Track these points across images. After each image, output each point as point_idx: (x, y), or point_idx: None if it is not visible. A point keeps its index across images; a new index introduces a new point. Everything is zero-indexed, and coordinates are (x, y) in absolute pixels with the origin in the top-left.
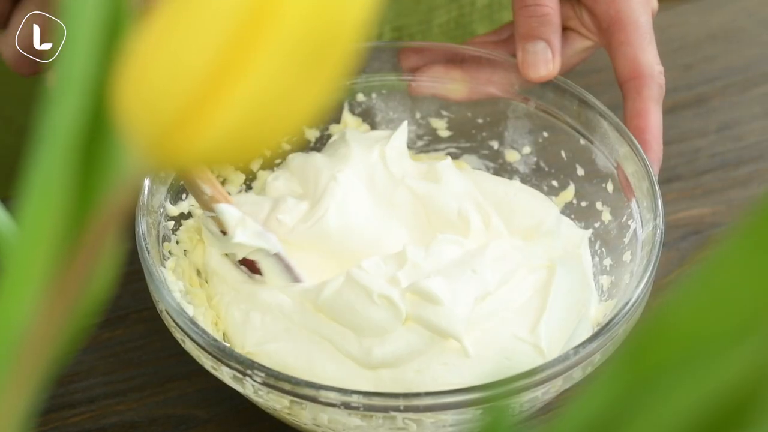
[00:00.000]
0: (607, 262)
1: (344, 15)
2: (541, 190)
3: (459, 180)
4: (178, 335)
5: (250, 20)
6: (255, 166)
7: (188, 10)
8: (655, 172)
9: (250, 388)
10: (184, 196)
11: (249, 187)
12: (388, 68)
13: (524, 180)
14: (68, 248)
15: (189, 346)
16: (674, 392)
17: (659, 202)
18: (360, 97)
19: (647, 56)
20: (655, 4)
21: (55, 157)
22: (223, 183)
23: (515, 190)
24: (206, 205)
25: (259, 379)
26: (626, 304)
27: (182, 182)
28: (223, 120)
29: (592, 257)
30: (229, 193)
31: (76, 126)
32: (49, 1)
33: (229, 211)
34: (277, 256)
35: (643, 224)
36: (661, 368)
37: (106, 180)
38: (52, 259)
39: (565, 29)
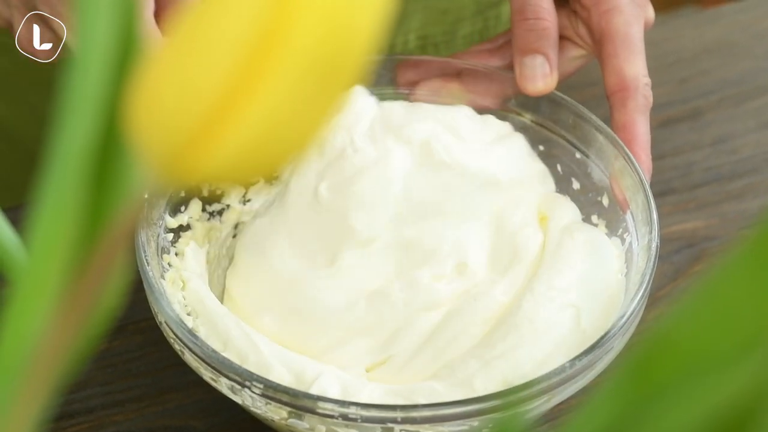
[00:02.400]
0: None
1: (354, 37)
2: None
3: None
4: (177, 347)
5: (262, 41)
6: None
7: (201, 31)
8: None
9: (248, 400)
10: (182, 208)
11: (247, 200)
12: (385, 82)
13: None
14: (79, 263)
15: (188, 358)
16: (677, 407)
17: (654, 215)
18: None
19: (633, 68)
20: (650, 13)
21: (68, 174)
22: (220, 195)
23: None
24: None
25: (257, 391)
26: (621, 317)
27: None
28: (234, 139)
29: None
30: None
31: (88, 143)
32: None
33: None
34: None
35: (639, 237)
36: (663, 383)
37: (117, 197)
38: (63, 274)
39: (560, 38)
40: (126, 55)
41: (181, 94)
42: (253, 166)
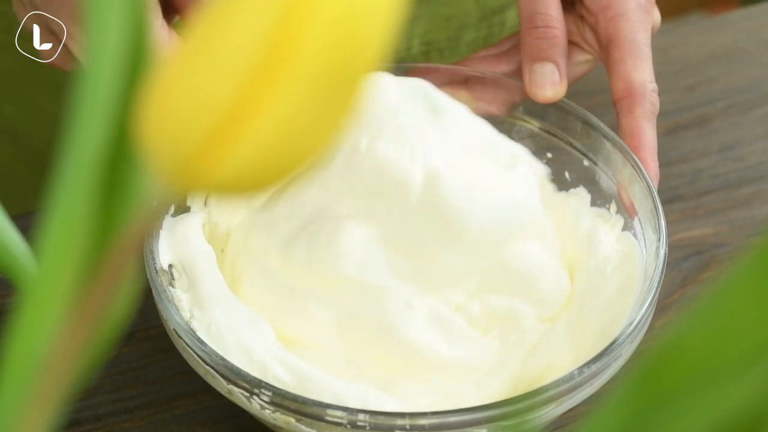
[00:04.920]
0: None
1: (364, 45)
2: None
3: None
4: (186, 354)
5: (272, 49)
6: None
7: (211, 39)
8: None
9: (257, 407)
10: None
11: None
12: None
13: None
14: (90, 272)
15: (197, 365)
16: (686, 415)
17: (662, 222)
18: None
19: (640, 74)
20: (657, 18)
21: (78, 182)
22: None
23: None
24: None
25: (266, 398)
26: (630, 324)
27: None
28: (245, 148)
29: None
30: None
31: (98, 152)
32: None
33: None
34: None
35: (647, 245)
36: (672, 391)
37: (128, 206)
38: (73, 283)
39: (567, 43)
40: (136, 63)
41: (192, 102)
42: (263, 174)
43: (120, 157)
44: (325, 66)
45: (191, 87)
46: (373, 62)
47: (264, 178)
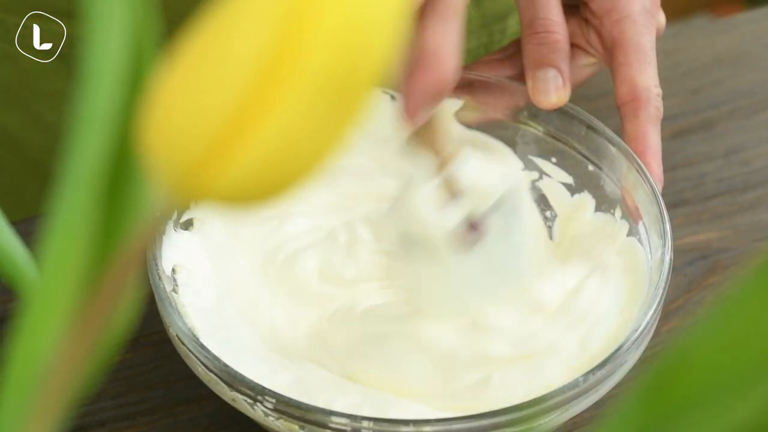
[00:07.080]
0: None
1: (369, 55)
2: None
3: None
4: (189, 360)
5: (275, 58)
6: None
7: (213, 48)
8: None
9: (260, 414)
10: (193, 222)
11: None
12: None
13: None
14: (92, 282)
15: (200, 371)
16: (696, 427)
17: (668, 227)
18: None
19: (645, 78)
20: (661, 20)
21: (80, 193)
22: None
23: None
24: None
25: (269, 405)
26: (635, 330)
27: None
28: (247, 158)
29: None
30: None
31: (100, 163)
32: None
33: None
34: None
35: (652, 250)
36: (682, 402)
37: (130, 216)
38: (76, 291)
39: (571, 46)
40: (138, 72)
41: (194, 111)
42: (265, 185)
43: (122, 166)
44: (329, 75)
45: (193, 96)
46: (378, 72)
47: (266, 189)
